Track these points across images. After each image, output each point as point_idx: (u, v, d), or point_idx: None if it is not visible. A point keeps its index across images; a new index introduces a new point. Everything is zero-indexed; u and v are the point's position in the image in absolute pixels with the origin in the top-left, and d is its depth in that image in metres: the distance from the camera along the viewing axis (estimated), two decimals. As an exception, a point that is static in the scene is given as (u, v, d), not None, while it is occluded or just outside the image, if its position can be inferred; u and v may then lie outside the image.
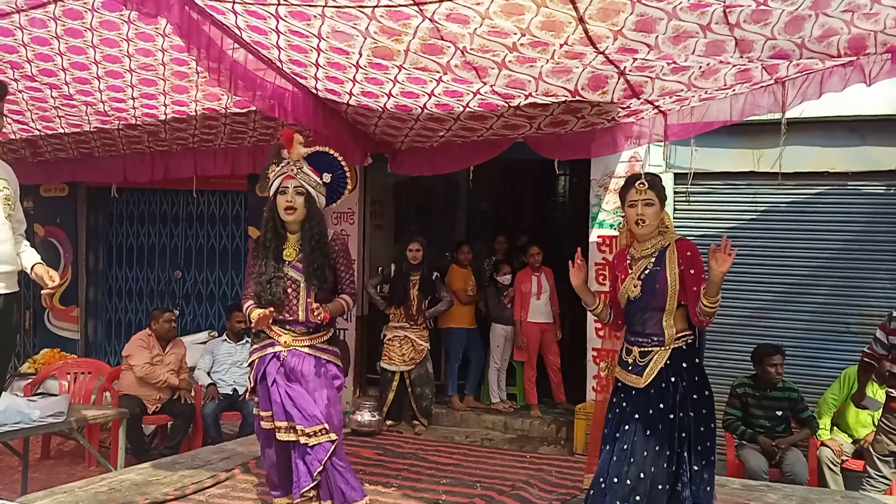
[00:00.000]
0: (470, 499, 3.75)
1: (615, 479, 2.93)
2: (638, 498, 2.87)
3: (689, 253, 3.02)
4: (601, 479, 3.00)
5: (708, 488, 2.98)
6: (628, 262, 3.16)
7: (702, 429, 2.97)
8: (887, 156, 5.34)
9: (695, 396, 2.97)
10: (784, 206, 5.67)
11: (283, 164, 3.31)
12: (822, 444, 4.73)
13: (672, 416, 2.94)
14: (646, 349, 3.05)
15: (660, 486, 2.89)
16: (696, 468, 2.95)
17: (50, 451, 5.78)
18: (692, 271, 2.98)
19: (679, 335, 3.02)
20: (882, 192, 5.45)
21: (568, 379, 6.60)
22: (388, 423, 5.96)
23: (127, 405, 5.21)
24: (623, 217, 3.24)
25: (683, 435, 2.94)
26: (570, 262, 3.23)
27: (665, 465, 2.90)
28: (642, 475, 2.89)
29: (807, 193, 5.61)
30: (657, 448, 2.91)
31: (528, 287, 6.53)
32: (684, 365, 3.00)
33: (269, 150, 3.48)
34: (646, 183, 3.06)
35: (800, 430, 4.79)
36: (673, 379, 2.97)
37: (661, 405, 2.96)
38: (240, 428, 5.60)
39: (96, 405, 5.58)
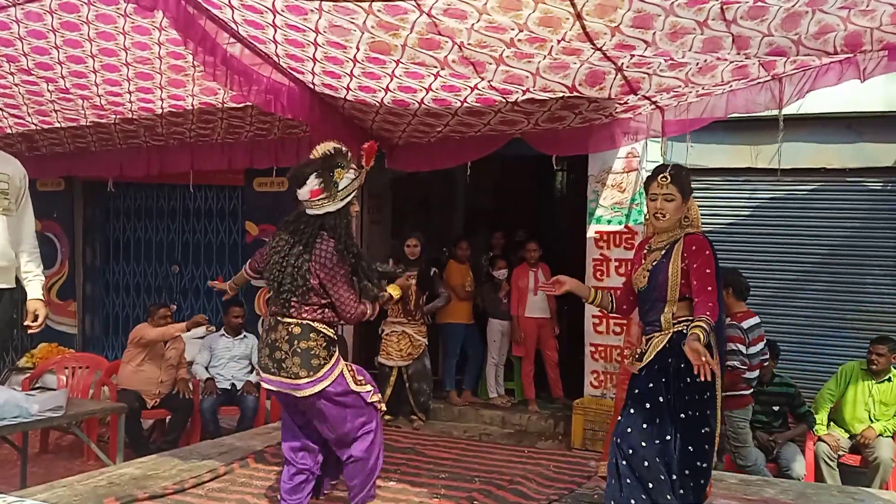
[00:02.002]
0: (468, 493, 3.76)
1: (613, 459, 3.03)
2: (630, 476, 2.93)
3: (693, 247, 2.98)
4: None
5: (700, 478, 2.98)
6: (645, 252, 3.19)
7: (693, 413, 2.96)
8: (884, 152, 5.34)
9: (688, 380, 2.93)
10: (781, 202, 5.68)
11: (359, 174, 3.24)
12: (819, 439, 4.74)
13: (661, 399, 2.96)
14: (649, 336, 3.10)
15: (656, 461, 2.92)
16: (690, 448, 2.96)
17: (48, 446, 5.78)
18: (694, 265, 2.95)
19: (678, 319, 3.01)
20: (879, 188, 5.46)
21: (565, 374, 6.61)
22: (386, 418, 5.97)
23: (125, 400, 5.21)
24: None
25: (679, 415, 2.95)
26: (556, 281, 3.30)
27: (657, 443, 2.93)
28: (631, 451, 2.95)
29: (804, 190, 5.62)
30: (644, 426, 2.96)
31: (526, 283, 6.54)
32: (676, 358, 2.98)
33: (334, 150, 3.19)
34: (668, 177, 3.02)
35: (797, 425, 4.81)
36: (670, 360, 2.98)
37: (651, 385, 2.99)
38: (238, 422, 5.61)
39: (94, 400, 5.58)
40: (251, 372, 5.93)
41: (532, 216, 9.46)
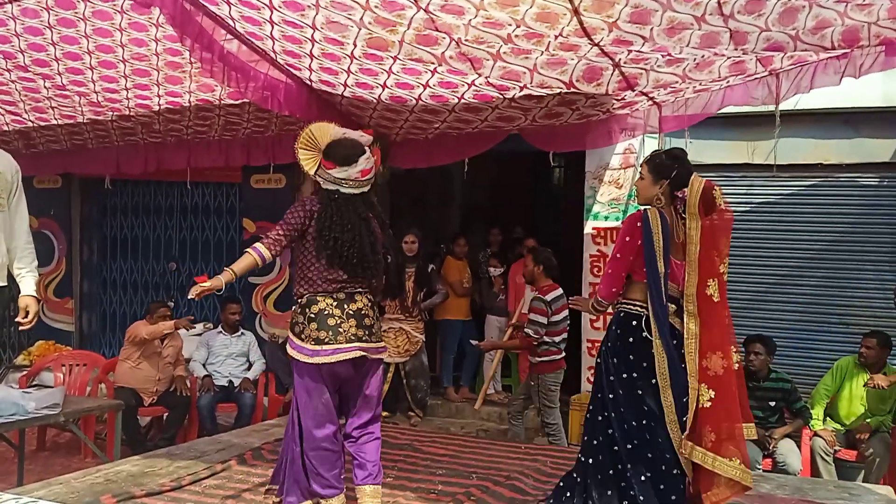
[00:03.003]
0: (465, 489, 3.76)
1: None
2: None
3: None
4: None
5: (654, 468, 2.93)
6: None
7: (624, 393, 3.03)
8: (881, 148, 5.35)
9: (614, 360, 3.08)
10: (778, 198, 5.68)
11: None
12: (815, 434, 4.76)
13: (601, 381, 3.13)
14: None
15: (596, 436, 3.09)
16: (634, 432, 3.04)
17: (46, 443, 5.78)
18: None
19: (620, 301, 3.12)
20: (875, 183, 5.47)
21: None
22: (384, 414, 5.96)
23: (122, 397, 5.21)
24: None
25: (615, 396, 3.05)
26: None
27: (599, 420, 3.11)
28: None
29: (801, 185, 5.63)
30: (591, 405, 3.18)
31: (523, 279, 6.54)
32: (607, 336, 3.15)
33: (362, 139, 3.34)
34: (645, 158, 3.21)
35: (793, 420, 4.82)
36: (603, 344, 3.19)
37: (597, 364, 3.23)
38: (235, 419, 5.61)
39: (92, 397, 5.58)
40: (248, 369, 5.93)
41: (529, 212, 9.46)
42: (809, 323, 5.56)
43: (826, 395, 4.91)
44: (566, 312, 5.01)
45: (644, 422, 2.94)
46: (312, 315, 3.12)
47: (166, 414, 5.59)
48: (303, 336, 3.12)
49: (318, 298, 3.15)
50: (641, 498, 2.88)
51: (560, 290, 5.04)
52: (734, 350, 2.89)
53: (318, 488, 3.18)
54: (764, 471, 4.49)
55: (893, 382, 4.54)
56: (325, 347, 3.10)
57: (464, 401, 6.64)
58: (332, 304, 3.15)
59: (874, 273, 5.45)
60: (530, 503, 3.63)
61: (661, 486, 2.90)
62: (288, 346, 3.22)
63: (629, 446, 2.94)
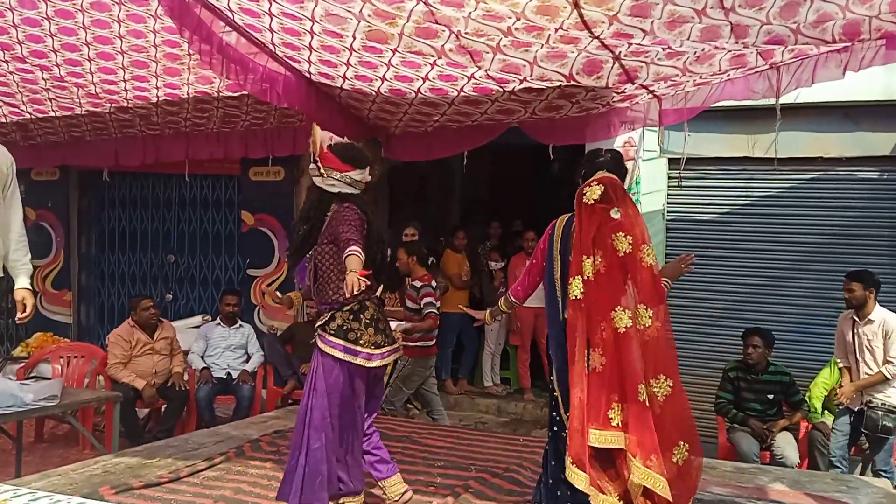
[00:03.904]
0: (464, 481, 3.78)
1: None
2: None
3: None
4: None
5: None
6: None
7: None
8: (881, 141, 5.35)
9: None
10: (778, 191, 5.68)
11: None
12: (813, 426, 4.77)
13: None
14: None
15: None
16: None
17: (44, 435, 5.79)
18: None
19: None
20: (875, 177, 5.47)
21: (561, 363, 6.63)
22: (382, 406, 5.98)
23: (121, 389, 5.21)
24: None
25: None
26: None
27: None
28: None
29: (801, 179, 5.63)
30: None
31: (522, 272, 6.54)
32: None
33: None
34: None
35: (791, 413, 4.83)
36: None
37: None
38: (234, 411, 5.62)
39: (90, 389, 5.58)
40: (247, 361, 5.93)
41: (529, 206, 9.46)
42: (808, 316, 5.57)
43: (824, 388, 4.92)
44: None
45: (555, 414, 3.14)
46: (368, 321, 3.22)
47: (164, 406, 5.59)
48: (361, 342, 3.17)
49: (367, 304, 3.25)
50: (550, 481, 3.07)
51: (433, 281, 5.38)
52: (600, 353, 2.78)
53: (350, 485, 3.27)
54: (762, 463, 4.50)
55: (854, 389, 4.53)
56: (382, 351, 3.24)
57: (462, 393, 6.66)
58: (377, 310, 3.29)
59: (873, 267, 5.43)
60: (528, 495, 3.63)
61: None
62: (335, 351, 3.14)
63: (553, 430, 3.13)
